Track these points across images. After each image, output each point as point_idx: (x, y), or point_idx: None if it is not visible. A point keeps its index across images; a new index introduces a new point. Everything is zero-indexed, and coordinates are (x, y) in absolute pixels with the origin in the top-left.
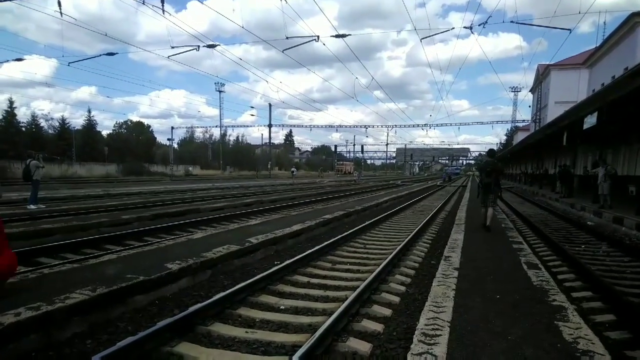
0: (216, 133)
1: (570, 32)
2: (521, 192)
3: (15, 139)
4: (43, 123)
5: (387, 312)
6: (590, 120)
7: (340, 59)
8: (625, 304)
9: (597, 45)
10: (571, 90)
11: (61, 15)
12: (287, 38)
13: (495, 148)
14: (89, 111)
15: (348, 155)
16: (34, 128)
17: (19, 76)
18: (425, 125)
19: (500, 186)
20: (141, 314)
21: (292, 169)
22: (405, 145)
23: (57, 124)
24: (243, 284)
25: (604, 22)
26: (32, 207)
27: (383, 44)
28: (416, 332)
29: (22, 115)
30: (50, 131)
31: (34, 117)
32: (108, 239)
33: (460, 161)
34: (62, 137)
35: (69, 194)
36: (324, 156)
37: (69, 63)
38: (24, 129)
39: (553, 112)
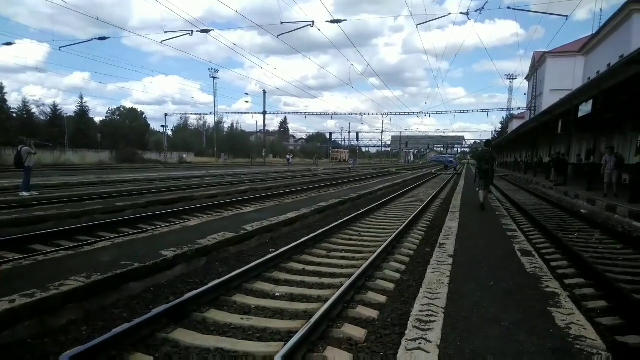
0: (210, 120)
1: (567, 19)
2: (515, 180)
3: (5, 125)
4: (34, 109)
5: (381, 298)
6: (585, 109)
7: (335, 46)
8: (617, 290)
9: (593, 32)
10: (567, 78)
11: None
12: (281, 23)
13: (490, 136)
14: (81, 97)
15: (343, 142)
16: (25, 114)
17: (10, 61)
18: (421, 113)
19: (494, 172)
20: (136, 301)
21: (288, 156)
22: (401, 133)
23: (49, 110)
24: (238, 271)
25: (601, 9)
26: (25, 194)
27: (379, 30)
28: (411, 318)
29: (13, 101)
30: (41, 117)
31: (25, 103)
32: (102, 226)
33: (455, 149)
34: (54, 124)
35: (62, 181)
36: (319, 144)
37: (60, 47)
38: (14, 115)
39: (548, 100)
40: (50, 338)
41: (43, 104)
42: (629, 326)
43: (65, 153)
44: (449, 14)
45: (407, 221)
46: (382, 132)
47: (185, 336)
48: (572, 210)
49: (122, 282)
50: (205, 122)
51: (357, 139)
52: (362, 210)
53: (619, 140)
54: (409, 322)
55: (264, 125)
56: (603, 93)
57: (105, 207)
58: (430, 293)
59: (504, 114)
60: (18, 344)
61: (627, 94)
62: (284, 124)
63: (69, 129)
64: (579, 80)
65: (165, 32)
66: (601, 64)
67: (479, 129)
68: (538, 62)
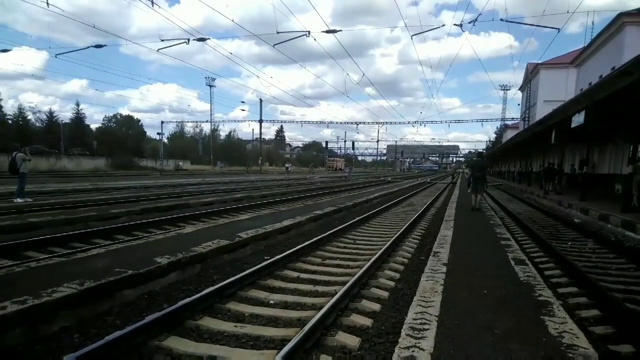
0: (207, 128)
1: (559, 32)
2: (509, 190)
3: (0, 131)
4: (30, 116)
5: (376, 306)
6: (577, 119)
7: (332, 56)
8: (609, 299)
9: (585, 45)
10: (559, 89)
11: (47, 6)
12: (278, 33)
13: (484, 146)
14: (78, 104)
15: (339, 151)
16: (20, 120)
17: (7, 68)
18: (416, 122)
19: (485, 180)
20: (130, 308)
21: (286, 165)
22: (396, 142)
23: (45, 116)
24: (232, 278)
25: (592, 23)
26: (19, 200)
27: (376, 41)
28: (404, 326)
29: (10, 107)
30: (37, 124)
31: (20, 110)
32: (96, 233)
33: (450, 158)
34: (50, 130)
35: (57, 187)
36: (315, 152)
37: (56, 55)
38: (10, 121)
39: (542, 111)
40: (42, 345)
41: (39, 111)
42: (622, 335)
43: (61, 160)
44: (443, 25)
45: (402, 229)
46: (377, 141)
47: (178, 344)
48: (565, 219)
49: (115, 289)
50: (201, 130)
51: (353, 148)
52: (357, 219)
53: (611, 150)
54: (402, 331)
55: (260, 133)
56: (596, 104)
57: (100, 214)
58: (424, 301)
59: (498, 124)
60: (8, 351)
61: (619, 104)
62: (280, 132)
63: (65, 136)
64: (571, 91)
65: (162, 40)
66: (593, 76)
67: (474, 138)
68: (531, 74)
